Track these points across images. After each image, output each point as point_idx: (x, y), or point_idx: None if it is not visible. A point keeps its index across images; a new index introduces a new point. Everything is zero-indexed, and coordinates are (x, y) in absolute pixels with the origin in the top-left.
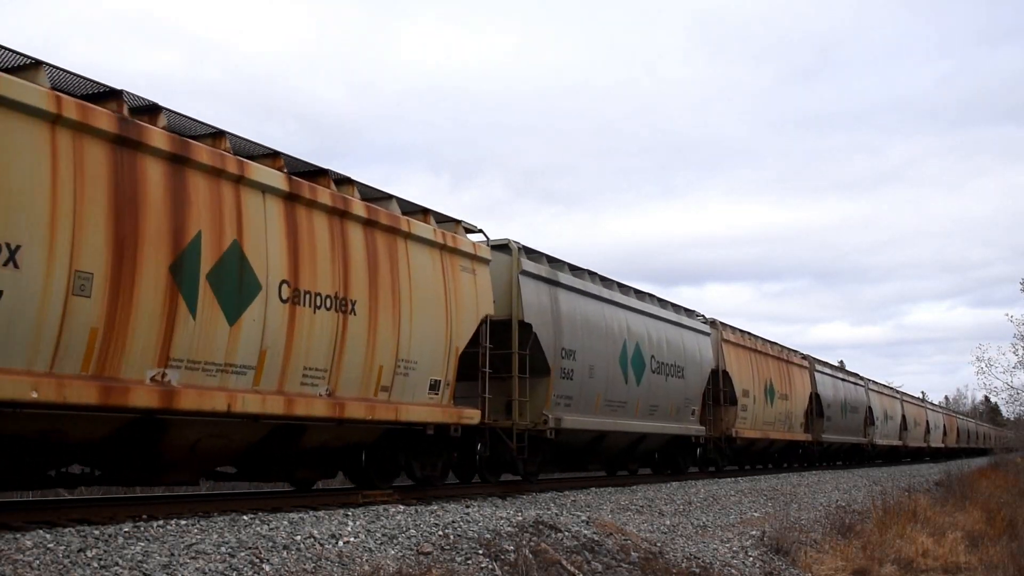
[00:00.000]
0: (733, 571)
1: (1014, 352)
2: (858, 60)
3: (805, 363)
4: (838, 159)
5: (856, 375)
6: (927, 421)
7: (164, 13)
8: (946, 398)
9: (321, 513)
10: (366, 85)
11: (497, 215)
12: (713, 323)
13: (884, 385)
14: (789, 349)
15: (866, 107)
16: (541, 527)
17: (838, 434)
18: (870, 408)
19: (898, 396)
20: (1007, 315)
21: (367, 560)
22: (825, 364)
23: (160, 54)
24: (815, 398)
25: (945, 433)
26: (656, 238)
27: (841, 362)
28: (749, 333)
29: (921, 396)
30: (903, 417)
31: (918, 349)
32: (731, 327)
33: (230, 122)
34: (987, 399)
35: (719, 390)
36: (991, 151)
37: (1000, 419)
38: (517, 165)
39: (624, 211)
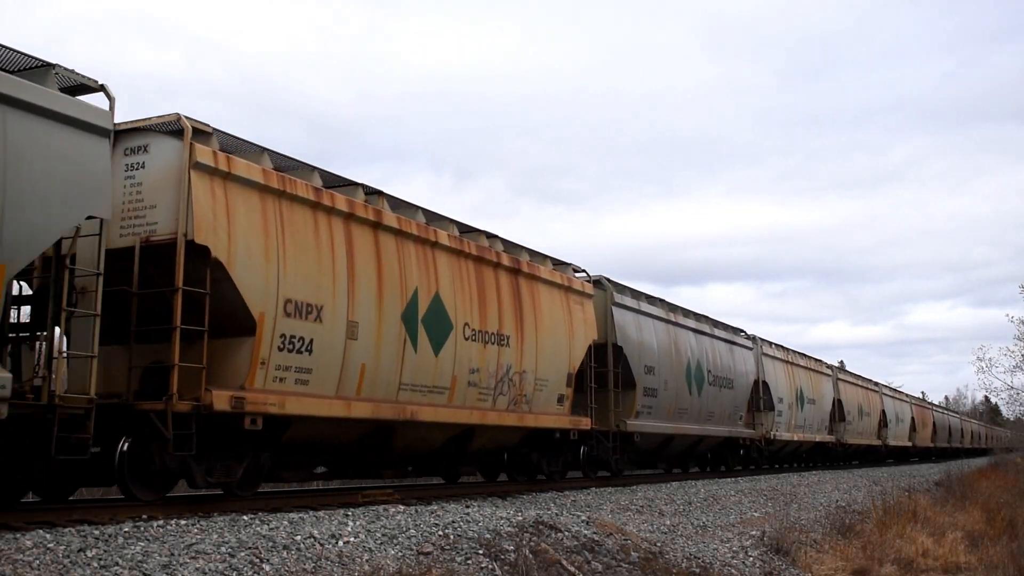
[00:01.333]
0: (733, 571)
1: (1011, 356)
2: (861, 59)
3: (580, 289)
4: (840, 158)
5: (742, 333)
6: (883, 411)
7: (164, 12)
8: (946, 398)
9: (321, 513)
10: (367, 84)
11: (499, 215)
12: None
13: (802, 354)
14: (530, 252)
15: (868, 106)
16: (541, 527)
17: (675, 421)
18: (763, 384)
19: (828, 373)
20: (1007, 315)
21: (367, 560)
22: (653, 301)
23: (161, 53)
24: (610, 352)
25: (915, 428)
26: (657, 238)
27: (841, 362)
28: (341, 181)
29: (921, 396)
30: (836, 403)
31: (920, 349)
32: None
33: (231, 121)
34: (987, 399)
35: None
36: (993, 150)
37: (1000, 419)
38: (518, 164)
39: (625, 211)
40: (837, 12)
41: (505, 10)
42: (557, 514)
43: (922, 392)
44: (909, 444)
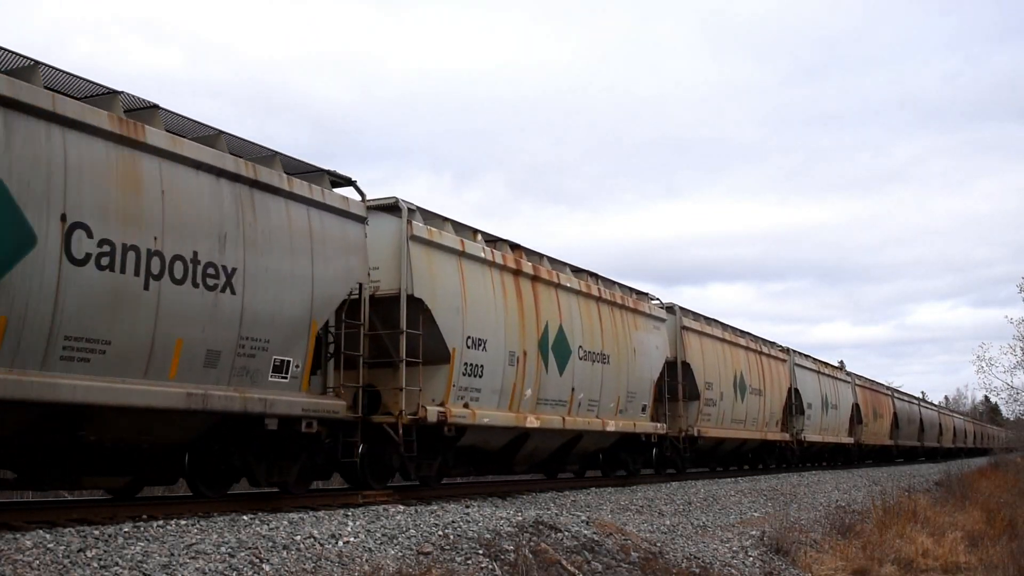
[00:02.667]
0: (733, 571)
1: (1012, 353)
2: (864, 58)
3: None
4: (843, 158)
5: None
6: (795, 391)
7: (166, 12)
8: (946, 398)
9: (321, 513)
10: (368, 84)
11: (499, 214)
12: None
13: (593, 276)
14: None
15: (871, 106)
16: (541, 527)
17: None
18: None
19: (660, 316)
20: (1007, 317)
21: (367, 560)
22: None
23: (162, 53)
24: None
25: (860, 420)
26: (659, 237)
27: (841, 362)
28: None
29: (921, 395)
30: (681, 369)
31: (921, 349)
32: None
33: (233, 121)
34: (987, 399)
35: None
36: (996, 150)
37: (1000, 419)
38: (519, 164)
39: (627, 210)
40: (840, 12)
41: (506, 9)
42: (557, 514)
43: (922, 392)
44: (849, 441)
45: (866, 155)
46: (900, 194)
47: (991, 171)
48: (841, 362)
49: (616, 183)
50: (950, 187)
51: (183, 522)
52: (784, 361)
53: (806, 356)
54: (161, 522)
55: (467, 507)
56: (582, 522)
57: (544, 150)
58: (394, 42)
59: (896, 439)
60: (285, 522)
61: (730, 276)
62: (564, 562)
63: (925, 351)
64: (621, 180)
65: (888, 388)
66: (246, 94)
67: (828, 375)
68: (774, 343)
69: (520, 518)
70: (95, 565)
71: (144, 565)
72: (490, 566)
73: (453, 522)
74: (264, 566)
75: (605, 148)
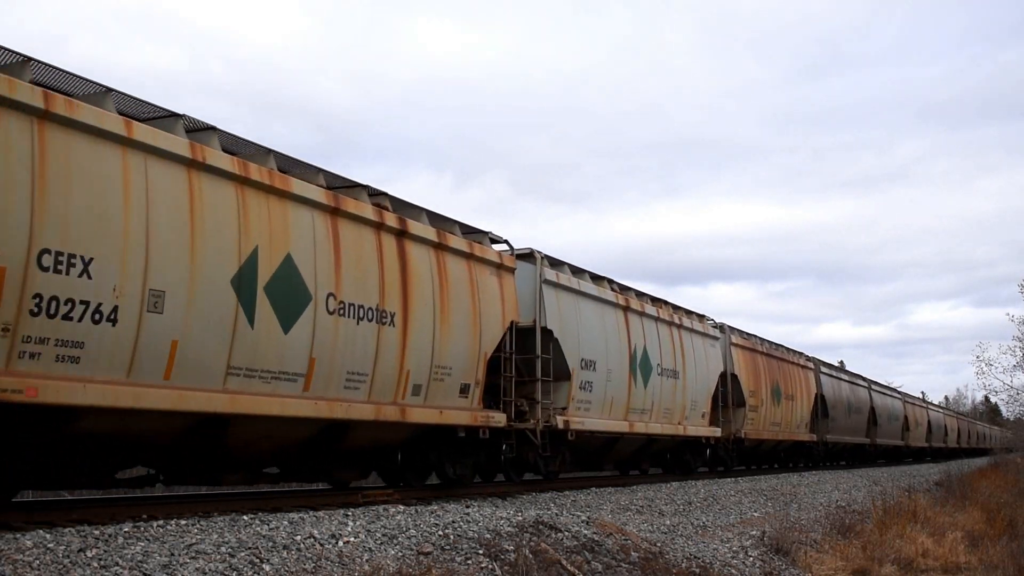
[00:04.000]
0: (733, 571)
1: (1012, 353)
2: (867, 56)
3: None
4: (845, 157)
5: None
6: (546, 334)
7: (167, 8)
8: (946, 398)
9: (321, 513)
10: (370, 82)
11: (501, 214)
12: None
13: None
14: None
15: (874, 104)
16: (541, 527)
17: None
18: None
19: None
20: (1008, 314)
21: (367, 560)
22: (599, 280)
23: (164, 50)
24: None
25: (741, 402)
26: (660, 237)
27: (841, 362)
28: None
29: (921, 395)
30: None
31: (922, 349)
32: None
33: (234, 118)
34: (987, 399)
35: None
36: (999, 149)
37: (1000, 419)
38: (520, 164)
39: (628, 210)
40: (843, 9)
41: (508, 7)
42: (557, 514)
43: (922, 392)
44: (712, 433)
45: (868, 154)
46: (902, 193)
47: (993, 170)
48: (841, 362)
49: (616, 183)
50: (952, 186)
51: (183, 522)
52: (507, 270)
53: (600, 277)
54: (161, 522)
55: (467, 507)
56: (582, 522)
57: (544, 150)
58: (394, 42)
59: (822, 433)
60: (285, 522)
61: (730, 276)
62: (564, 562)
63: (926, 351)
64: (621, 180)
65: (809, 359)
66: (246, 93)
67: (653, 317)
68: (483, 232)
69: (520, 518)
70: (95, 565)
71: (144, 565)
72: (490, 566)
73: (453, 522)
74: (264, 566)
75: (605, 148)
